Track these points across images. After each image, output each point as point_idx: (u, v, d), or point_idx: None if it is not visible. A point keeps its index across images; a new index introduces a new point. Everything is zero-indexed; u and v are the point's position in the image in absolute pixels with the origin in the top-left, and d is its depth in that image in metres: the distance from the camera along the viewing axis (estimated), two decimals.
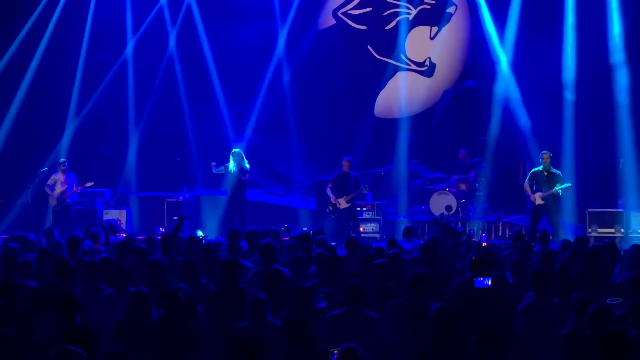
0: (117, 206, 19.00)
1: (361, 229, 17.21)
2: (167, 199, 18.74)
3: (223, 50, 20.87)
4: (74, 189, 17.46)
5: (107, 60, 20.63)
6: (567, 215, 16.81)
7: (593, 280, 8.96)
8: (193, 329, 7.56)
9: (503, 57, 19.30)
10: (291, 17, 20.75)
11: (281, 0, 20.76)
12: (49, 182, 17.55)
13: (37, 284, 9.27)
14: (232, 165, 16.89)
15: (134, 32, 20.72)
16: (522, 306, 7.98)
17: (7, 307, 8.01)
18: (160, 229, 16.67)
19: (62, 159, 17.86)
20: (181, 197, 18.77)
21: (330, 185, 16.87)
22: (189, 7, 20.94)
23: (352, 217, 16.86)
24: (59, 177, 17.50)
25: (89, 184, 17.59)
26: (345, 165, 16.83)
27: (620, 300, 7.92)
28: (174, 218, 18.17)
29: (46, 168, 18.01)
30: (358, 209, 17.31)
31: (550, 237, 12.23)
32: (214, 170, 17.11)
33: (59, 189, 17.40)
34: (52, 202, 17.47)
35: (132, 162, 20.36)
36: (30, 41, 20.18)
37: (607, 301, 7.84)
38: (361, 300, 7.84)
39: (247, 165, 17.02)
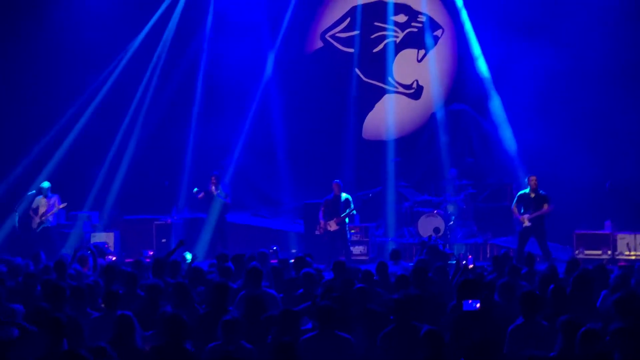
0: (105, 229, 18.94)
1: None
2: (156, 222, 18.70)
3: (212, 73, 20.92)
4: (54, 209, 17.49)
5: (96, 83, 20.61)
6: (555, 238, 16.85)
7: (582, 303, 8.98)
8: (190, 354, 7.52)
9: (489, 80, 19.39)
10: (280, 40, 20.84)
11: (270, 22, 20.83)
12: (33, 205, 17.60)
13: (23, 308, 9.22)
14: (212, 188, 16.96)
15: (123, 55, 20.73)
16: (512, 328, 8.00)
17: None
18: (149, 252, 16.64)
19: (43, 183, 17.89)
20: (170, 220, 18.74)
21: (322, 208, 16.92)
22: (177, 31, 20.98)
23: (342, 240, 16.86)
24: (42, 201, 17.53)
25: (62, 205, 17.62)
26: (335, 188, 16.88)
27: (600, 324, 7.90)
28: (162, 241, 18.18)
29: (34, 191, 17.97)
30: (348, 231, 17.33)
31: (538, 259, 12.29)
32: (197, 196, 17.19)
33: (42, 211, 17.45)
34: (34, 224, 17.50)
35: (120, 185, 20.31)
36: (21, 61, 20.17)
37: (588, 325, 7.85)
38: (334, 322, 7.80)
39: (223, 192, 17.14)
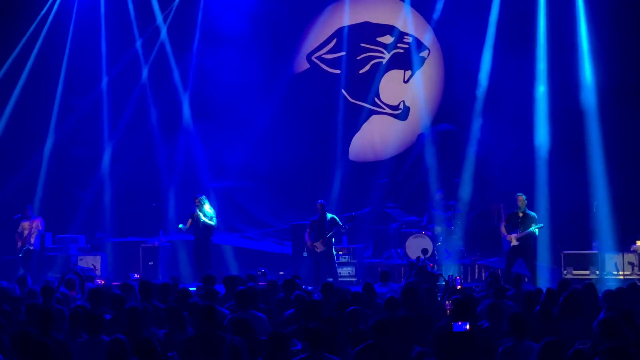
0: (92, 252, 18.84)
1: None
2: (143, 244, 18.62)
3: (199, 95, 20.95)
4: (35, 230, 17.43)
5: (80, 104, 20.59)
6: (543, 258, 16.82)
7: (571, 323, 8.95)
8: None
9: (477, 100, 19.44)
10: (266, 61, 20.87)
11: (257, 44, 20.86)
12: (18, 229, 17.58)
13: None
14: (196, 210, 16.91)
15: (107, 75, 20.72)
16: (502, 350, 7.97)
17: None
18: (135, 274, 16.55)
19: (28, 205, 17.86)
20: (157, 243, 18.65)
21: (307, 230, 16.88)
22: (162, 50, 20.99)
23: (329, 261, 16.81)
24: (26, 225, 17.50)
25: (37, 225, 17.62)
26: (320, 208, 16.84)
27: (589, 343, 7.87)
28: (150, 263, 18.09)
29: (19, 215, 17.87)
30: (335, 252, 17.26)
31: (526, 280, 12.27)
32: (184, 229, 17.09)
33: (25, 234, 17.41)
34: (18, 248, 17.47)
35: (107, 208, 20.24)
36: (5, 86, 20.14)
37: (576, 344, 7.82)
38: (322, 344, 7.75)
39: (211, 211, 17.03)
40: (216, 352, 8.00)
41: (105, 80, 20.72)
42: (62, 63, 20.43)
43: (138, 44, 20.92)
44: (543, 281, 15.11)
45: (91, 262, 18.08)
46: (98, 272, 17.53)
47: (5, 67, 20.20)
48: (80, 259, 18.19)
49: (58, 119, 20.49)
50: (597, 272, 16.50)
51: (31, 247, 17.46)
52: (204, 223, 16.83)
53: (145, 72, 20.93)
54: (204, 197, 17.17)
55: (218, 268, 16.85)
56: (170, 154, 20.78)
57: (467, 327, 7.92)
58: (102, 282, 14.29)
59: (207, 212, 16.92)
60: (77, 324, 9.07)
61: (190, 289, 12.03)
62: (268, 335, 7.93)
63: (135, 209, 19.77)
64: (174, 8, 20.97)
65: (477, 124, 19.41)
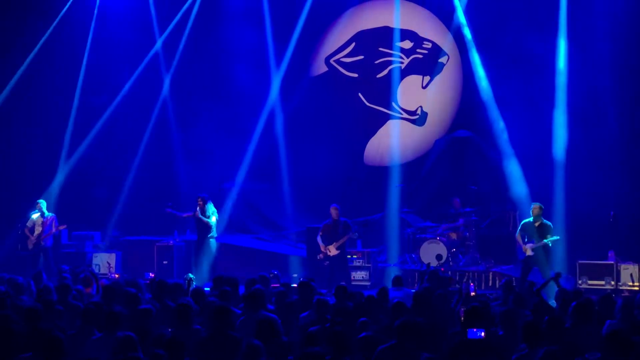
0: (107, 249, 18.90)
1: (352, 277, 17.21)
2: (157, 243, 18.67)
3: (217, 95, 20.99)
4: (52, 230, 17.44)
5: (100, 104, 20.66)
6: (558, 267, 16.68)
7: (585, 333, 8.90)
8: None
9: (494, 107, 19.39)
10: (285, 64, 20.88)
11: (275, 46, 20.88)
12: (28, 224, 17.57)
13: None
14: (198, 210, 17.01)
15: (129, 76, 20.80)
16: (515, 358, 7.94)
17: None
18: (150, 273, 16.58)
19: (39, 200, 17.85)
20: (171, 242, 18.70)
21: (320, 233, 16.89)
22: (183, 51, 21.07)
23: (342, 264, 16.81)
24: (38, 220, 17.48)
25: (61, 227, 17.62)
26: (333, 212, 16.86)
27: (599, 355, 7.81)
28: (164, 262, 18.14)
29: (37, 211, 17.94)
30: (349, 256, 17.25)
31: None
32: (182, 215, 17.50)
33: (37, 231, 17.40)
34: (30, 245, 17.45)
35: (123, 206, 20.30)
36: (24, 83, 20.23)
37: (586, 356, 7.77)
38: (346, 349, 7.75)
39: (213, 210, 17.13)
40: (229, 353, 8.00)
41: (125, 82, 20.76)
42: (82, 63, 20.49)
43: (158, 44, 20.98)
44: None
45: (106, 259, 18.14)
46: (113, 270, 17.58)
47: (25, 64, 20.27)
48: (96, 256, 18.27)
49: (77, 119, 20.55)
50: (613, 283, 16.44)
51: (46, 245, 17.47)
52: (203, 222, 17.03)
53: (165, 77, 21.00)
54: (207, 197, 17.31)
55: (232, 269, 16.84)
56: (188, 153, 20.82)
57: (483, 334, 7.90)
58: (117, 275, 14.35)
59: (209, 211, 17.09)
60: (90, 321, 9.10)
61: (205, 289, 12.07)
62: (303, 337, 7.94)
63: (152, 207, 19.81)
64: (194, 12, 21.02)
65: (494, 130, 19.34)
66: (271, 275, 13.95)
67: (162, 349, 7.47)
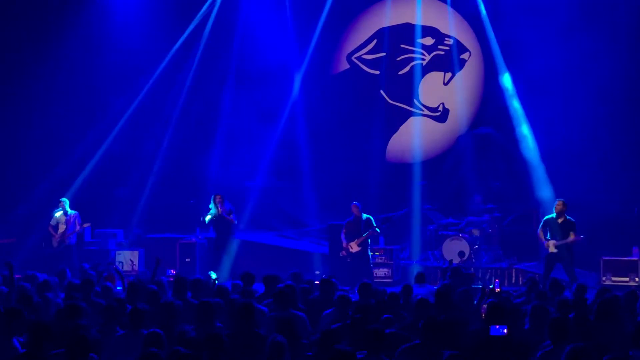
0: (130, 247, 18.99)
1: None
2: (180, 241, 18.73)
3: (238, 93, 21.00)
4: (76, 228, 17.54)
5: (123, 102, 20.75)
6: (581, 264, 16.69)
7: (610, 329, 8.85)
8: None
9: (517, 104, 19.32)
10: (306, 61, 20.90)
11: (297, 43, 20.90)
12: (52, 222, 17.66)
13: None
14: (218, 208, 17.05)
15: (151, 73, 20.87)
16: (540, 354, 7.91)
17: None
18: (172, 271, 16.63)
19: (62, 199, 17.94)
20: (194, 239, 18.76)
21: (344, 230, 16.93)
22: (204, 50, 21.13)
23: (364, 261, 16.82)
24: (61, 218, 17.57)
25: (85, 225, 17.71)
26: (354, 210, 16.89)
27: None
28: (187, 260, 18.20)
29: (60, 209, 18.02)
30: (371, 253, 17.25)
31: (565, 286, 12.15)
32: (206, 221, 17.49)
33: (61, 229, 17.49)
34: (54, 243, 17.54)
35: (146, 204, 20.38)
36: (47, 82, 20.33)
37: (630, 353, 7.72)
38: (381, 346, 7.75)
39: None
40: (254, 350, 8.01)
41: (147, 79, 20.82)
42: (105, 62, 20.57)
43: (179, 42, 21.04)
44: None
45: (129, 257, 18.22)
46: (136, 267, 17.67)
47: (49, 62, 20.37)
48: (119, 254, 18.36)
49: (99, 118, 20.65)
50: (637, 279, 16.34)
51: (70, 243, 17.58)
52: (224, 219, 17.10)
53: (187, 73, 21.06)
54: (221, 195, 17.40)
55: (254, 266, 16.82)
56: (210, 151, 20.87)
57: (505, 331, 7.86)
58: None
59: (227, 207, 17.21)
60: (113, 318, 9.13)
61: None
62: (321, 334, 7.94)
63: (174, 205, 19.88)
64: (215, 10, 21.07)
65: (516, 127, 19.27)
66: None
67: (183, 346, 7.49)
